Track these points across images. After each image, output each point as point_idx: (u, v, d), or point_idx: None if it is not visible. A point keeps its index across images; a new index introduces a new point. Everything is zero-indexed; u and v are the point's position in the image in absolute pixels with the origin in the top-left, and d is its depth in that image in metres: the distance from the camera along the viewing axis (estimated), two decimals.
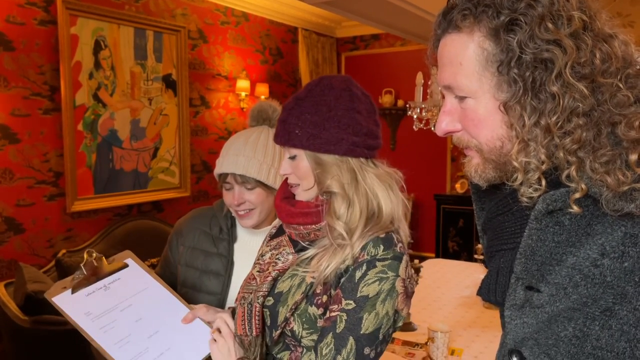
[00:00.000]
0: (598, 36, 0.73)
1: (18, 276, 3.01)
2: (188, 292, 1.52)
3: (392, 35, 6.01)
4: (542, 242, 0.75)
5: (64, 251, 3.63)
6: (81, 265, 1.21)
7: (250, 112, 1.57)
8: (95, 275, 1.22)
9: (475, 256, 2.83)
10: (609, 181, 0.69)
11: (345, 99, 1.09)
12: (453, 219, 5.73)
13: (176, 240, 1.60)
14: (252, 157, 1.42)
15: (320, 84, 1.12)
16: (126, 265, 1.29)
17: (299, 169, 1.11)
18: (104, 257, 1.26)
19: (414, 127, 3.06)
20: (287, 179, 1.20)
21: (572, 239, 0.73)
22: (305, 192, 1.14)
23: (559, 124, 0.72)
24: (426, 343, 2.03)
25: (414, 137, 5.91)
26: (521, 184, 0.76)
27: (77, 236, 3.98)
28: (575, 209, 0.72)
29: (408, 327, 2.30)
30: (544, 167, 0.74)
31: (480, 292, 0.87)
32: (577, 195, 0.72)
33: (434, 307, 2.61)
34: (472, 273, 3.15)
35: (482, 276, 2.79)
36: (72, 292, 1.18)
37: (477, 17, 0.75)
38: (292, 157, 1.12)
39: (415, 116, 2.99)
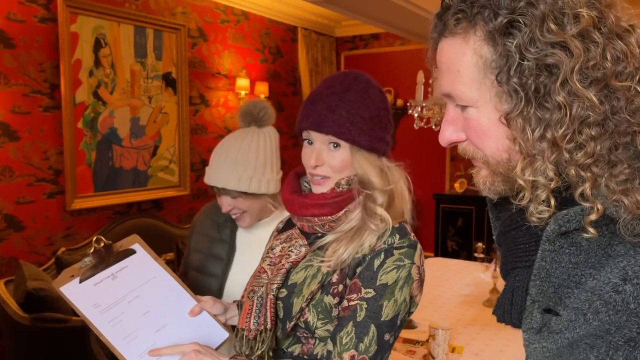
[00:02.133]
0: (612, 32, 0.65)
1: (18, 274, 3.01)
2: (194, 275, 1.64)
3: (392, 34, 6.01)
4: (557, 263, 0.69)
5: (63, 249, 3.62)
6: (89, 252, 1.20)
7: (239, 112, 1.62)
8: (103, 262, 1.21)
9: (475, 254, 2.83)
10: (626, 203, 0.63)
11: (382, 99, 1.15)
12: (452, 218, 5.74)
13: (192, 231, 1.75)
14: (230, 171, 1.51)
15: (358, 79, 1.14)
16: (134, 252, 1.27)
17: (335, 159, 1.12)
18: (112, 244, 1.24)
19: (414, 125, 3.07)
20: (293, 173, 1.20)
21: (591, 260, 0.67)
22: (328, 184, 1.14)
23: (568, 136, 0.64)
24: (427, 340, 2.03)
25: (413, 136, 5.92)
26: (530, 201, 0.69)
27: (77, 234, 3.97)
28: (591, 232, 0.65)
29: (409, 324, 2.31)
30: (552, 185, 0.67)
31: (495, 312, 0.82)
32: (592, 218, 0.65)
33: (434, 306, 2.62)
34: (472, 272, 3.16)
35: (483, 275, 2.79)
36: (80, 281, 1.17)
37: (471, 20, 0.68)
38: (336, 146, 1.11)
39: (416, 115, 3.00)
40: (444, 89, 0.75)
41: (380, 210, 1.09)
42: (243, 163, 1.51)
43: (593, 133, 0.64)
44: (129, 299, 1.19)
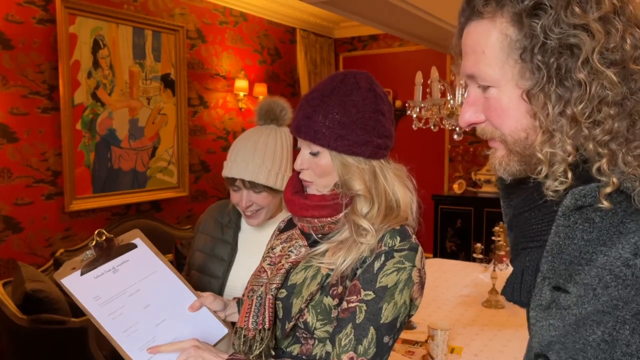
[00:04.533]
0: (630, 21, 0.69)
1: (16, 275, 3.00)
2: (195, 275, 1.62)
3: (390, 35, 6.02)
4: (570, 239, 0.71)
5: (62, 250, 3.61)
6: (91, 245, 1.21)
7: (258, 110, 1.58)
8: (105, 256, 1.21)
9: (474, 255, 2.83)
10: None
11: (371, 101, 1.11)
12: (451, 219, 5.74)
13: (197, 229, 1.72)
14: (260, 165, 1.47)
15: (345, 81, 1.11)
16: (135, 246, 1.28)
17: (318, 166, 1.12)
18: (114, 238, 1.24)
19: (413, 126, 3.06)
20: (296, 173, 1.20)
21: (603, 238, 0.69)
22: (318, 189, 1.14)
23: (587, 113, 0.68)
24: (426, 341, 2.03)
25: (411, 137, 5.93)
26: (546, 176, 0.73)
27: (76, 235, 3.97)
28: (605, 204, 0.68)
29: (408, 325, 2.31)
30: (570, 159, 0.71)
31: (504, 292, 0.84)
32: (607, 190, 0.68)
33: (433, 306, 2.62)
34: (471, 272, 3.16)
35: (482, 276, 2.80)
36: (82, 274, 1.17)
37: (499, 2, 0.73)
38: (314, 154, 1.11)
39: (414, 115, 3.00)
40: (467, 70, 0.79)
41: (366, 224, 1.07)
42: (271, 157, 1.48)
43: (612, 112, 0.68)
44: (129, 292, 1.19)
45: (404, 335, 2.24)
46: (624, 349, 0.69)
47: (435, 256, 5.57)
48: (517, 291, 0.80)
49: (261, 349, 1.11)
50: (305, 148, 1.13)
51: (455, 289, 2.89)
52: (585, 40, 0.67)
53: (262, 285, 1.15)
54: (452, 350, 2.07)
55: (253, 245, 1.58)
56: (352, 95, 1.10)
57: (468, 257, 5.11)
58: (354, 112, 1.08)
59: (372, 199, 1.10)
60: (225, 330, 1.24)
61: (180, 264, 3.25)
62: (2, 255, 3.55)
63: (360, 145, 1.08)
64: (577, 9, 0.68)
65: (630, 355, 0.68)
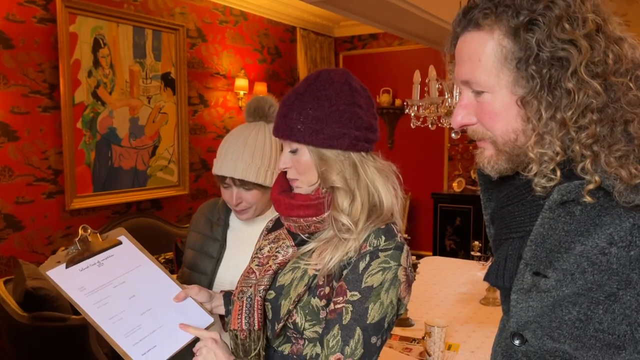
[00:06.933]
0: (610, 38, 0.78)
1: (17, 273, 3.02)
2: (186, 272, 1.65)
3: (390, 34, 6.03)
4: (553, 230, 0.79)
5: (62, 248, 3.63)
6: (75, 240, 1.22)
7: (247, 107, 1.60)
8: (89, 251, 1.22)
9: (472, 253, 2.85)
10: (622, 174, 0.74)
11: (346, 93, 1.10)
12: (450, 217, 5.75)
13: (190, 228, 1.74)
14: (250, 163, 1.47)
15: (319, 77, 1.12)
16: (120, 243, 1.29)
17: (300, 163, 1.12)
18: (98, 234, 1.26)
19: (411, 124, 3.08)
20: (283, 173, 1.21)
21: (581, 229, 0.77)
22: (304, 187, 1.14)
23: (574, 118, 0.76)
24: (423, 338, 2.05)
25: (411, 136, 5.94)
26: (535, 174, 0.80)
27: (76, 234, 3.98)
28: (588, 199, 0.76)
29: (405, 322, 2.33)
30: (558, 158, 0.78)
31: (487, 278, 0.91)
32: (590, 187, 0.76)
33: (431, 304, 2.64)
34: (469, 270, 3.18)
35: (480, 274, 2.83)
36: (67, 267, 1.18)
37: (497, 16, 0.79)
38: (294, 151, 1.12)
39: (412, 114, 3.01)
40: (463, 76, 0.85)
41: (345, 219, 1.07)
42: (260, 154, 1.49)
43: (595, 117, 0.76)
44: (114, 284, 1.20)
45: (401, 332, 2.25)
46: (596, 326, 0.77)
47: (434, 254, 5.58)
48: (500, 277, 0.88)
49: (258, 348, 1.12)
50: (286, 147, 1.14)
51: (453, 287, 2.90)
52: (574, 54, 0.75)
53: (251, 287, 1.16)
54: (449, 347, 2.09)
55: (241, 242, 1.59)
56: (325, 90, 1.09)
57: (467, 255, 5.12)
58: (327, 105, 1.08)
59: (353, 193, 1.09)
60: (210, 319, 1.25)
61: (180, 262, 3.27)
62: (3, 253, 3.57)
63: (336, 138, 1.08)
64: (567, 26, 0.75)
65: (602, 331, 0.77)
